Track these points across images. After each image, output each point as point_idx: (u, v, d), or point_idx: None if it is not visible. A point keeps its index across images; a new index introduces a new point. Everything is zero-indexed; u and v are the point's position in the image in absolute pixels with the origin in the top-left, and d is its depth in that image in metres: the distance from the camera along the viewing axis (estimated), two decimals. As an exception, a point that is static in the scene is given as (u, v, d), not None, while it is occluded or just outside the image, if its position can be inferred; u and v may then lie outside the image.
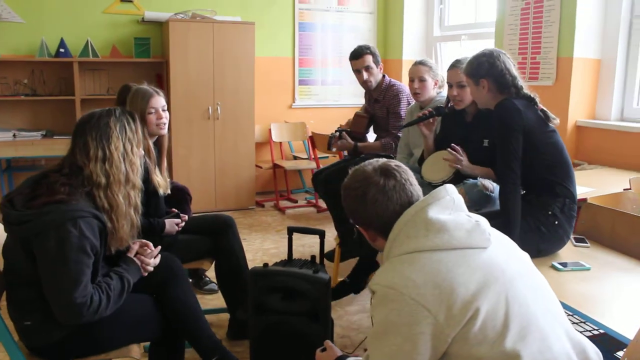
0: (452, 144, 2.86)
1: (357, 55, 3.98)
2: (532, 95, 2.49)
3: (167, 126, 2.88)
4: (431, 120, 3.09)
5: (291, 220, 5.40)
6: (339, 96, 6.57)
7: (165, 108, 2.88)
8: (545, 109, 2.48)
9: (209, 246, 2.97)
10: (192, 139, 5.42)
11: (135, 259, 2.12)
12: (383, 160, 1.61)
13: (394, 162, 1.60)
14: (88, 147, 1.95)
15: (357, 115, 4.33)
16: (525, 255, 1.60)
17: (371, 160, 1.62)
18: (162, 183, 2.80)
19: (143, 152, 2.14)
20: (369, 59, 3.94)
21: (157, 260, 2.20)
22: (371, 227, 1.58)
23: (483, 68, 2.49)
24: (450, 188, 1.55)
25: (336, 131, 4.24)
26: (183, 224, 2.90)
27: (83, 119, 2.02)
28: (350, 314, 3.36)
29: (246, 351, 2.69)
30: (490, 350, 1.33)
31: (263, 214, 5.64)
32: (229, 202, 5.67)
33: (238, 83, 5.53)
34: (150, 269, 2.17)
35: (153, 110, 2.81)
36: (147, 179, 2.69)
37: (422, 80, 3.49)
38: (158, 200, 2.83)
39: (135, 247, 2.16)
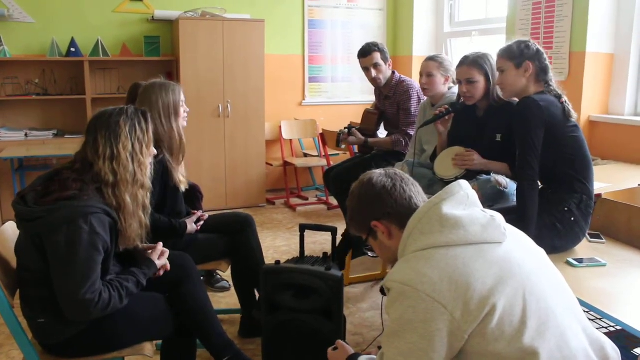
0: (463, 147, 2.83)
1: (365, 53, 3.96)
2: (560, 92, 2.46)
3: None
4: (447, 117, 3.06)
5: (302, 218, 5.39)
6: (349, 93, 6.55)
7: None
8: (568, 103, 2.45)
9: (227, 245, 2.91)
10: (203, 137, 5.43)
11: (157, 262, 2.15)
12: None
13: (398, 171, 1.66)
14: (97, 145, 1.95)
15: (367, 112, 4.31)
16: (541, 251, 1.59)
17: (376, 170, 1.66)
18: (182, 179, 2.75)
19: (155, 151, 2.13)
20: (377, 57, 3.92)
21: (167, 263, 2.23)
22: (382, 221, 1.57)
23: (531, 51, 2.47)
24: (464, 184, 1.54)
25: (346, 128, 4.23)
26: (202, 222, 2.87)
27: (95, 116, 2.03)
28: (363, 311, 3.35)
29: (258, 349, 2.69)
30: (508, 347, 1.31)
31: (274, 211, 5.64)
32: (239, 199, 5.67)
33: (248, 81, 5.52)
34: (168, 267, 2.20)
35: (183, 103, 2.75)
36: (167, 174, 2.66)
37: (429, 76, 3.47)
38: (179, 195, 2.79)
39: (158, 251, 2.20)
